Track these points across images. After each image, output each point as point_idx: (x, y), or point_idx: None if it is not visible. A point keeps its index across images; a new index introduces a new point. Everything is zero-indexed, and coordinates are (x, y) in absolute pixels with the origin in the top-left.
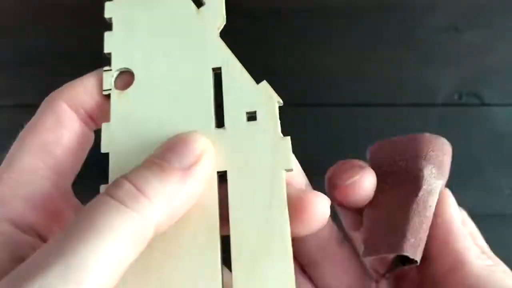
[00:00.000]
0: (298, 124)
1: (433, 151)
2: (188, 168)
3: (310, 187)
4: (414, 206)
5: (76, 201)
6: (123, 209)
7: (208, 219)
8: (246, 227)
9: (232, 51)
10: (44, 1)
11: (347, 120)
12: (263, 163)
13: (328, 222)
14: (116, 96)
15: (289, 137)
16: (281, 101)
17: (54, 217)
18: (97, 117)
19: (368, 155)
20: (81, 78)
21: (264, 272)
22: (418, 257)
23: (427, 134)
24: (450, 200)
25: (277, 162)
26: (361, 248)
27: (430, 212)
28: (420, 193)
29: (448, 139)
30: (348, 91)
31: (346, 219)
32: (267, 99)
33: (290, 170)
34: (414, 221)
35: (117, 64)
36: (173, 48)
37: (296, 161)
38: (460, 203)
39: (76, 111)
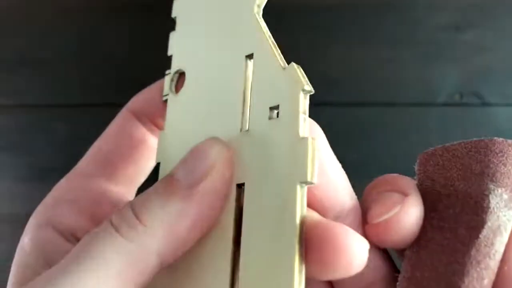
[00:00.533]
0: None
1: (504, 166)
2: (195, 184)
3: (353, 211)
4: (473, 252)
5: None
6: (116, 238)
7: (222, 244)
8: (254, 257)
9: None
10: (45, 1)
11: (347, 119)
12: (278, 175)
13: (372, 261)
14: (171, 101)
15: (310, 138)
16: (310, 87)
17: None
18: (161, 125)
19: (416, 168)
20: (151, 85)
21: None
22: None
23: (498, 140)
24: None
25: (291, 173)
26: None
27: (495, 261)
28: (483, 233)
29: (449, 139)
30: (348, 91)
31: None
32: (291, 87)
33: (310, 183)
34: (472, 276)
35: (174, 66)
36: (214, 37)
37: (339, 171)
38: None
39: (140, 120)
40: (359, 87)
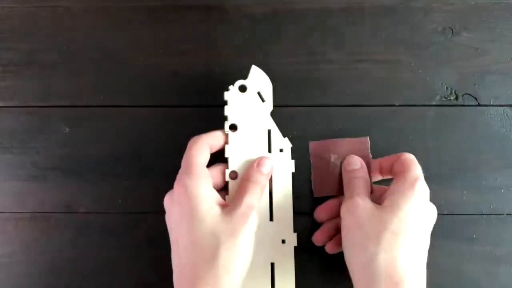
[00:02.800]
0: (298, 124)
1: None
2: (269, 174)
3: None
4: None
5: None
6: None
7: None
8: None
9: (232, 53)
10: (45, 3)
11: (344, 120)
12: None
13: None
14: (230, 135)
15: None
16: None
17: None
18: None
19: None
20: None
21: None
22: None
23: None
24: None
25: (286, 169)
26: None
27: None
28: (332, 159)
29: (445, 139)
30: (346, 92)
31: None
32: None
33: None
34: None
35: (230, 120)
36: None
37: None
38: (458, 202)
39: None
40: (357, 88)
